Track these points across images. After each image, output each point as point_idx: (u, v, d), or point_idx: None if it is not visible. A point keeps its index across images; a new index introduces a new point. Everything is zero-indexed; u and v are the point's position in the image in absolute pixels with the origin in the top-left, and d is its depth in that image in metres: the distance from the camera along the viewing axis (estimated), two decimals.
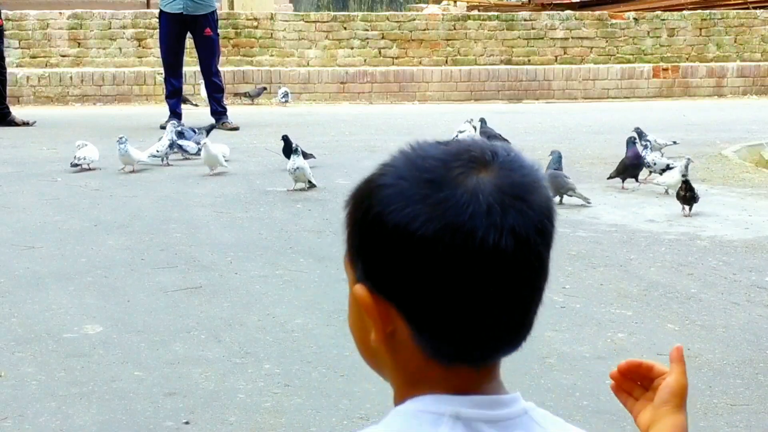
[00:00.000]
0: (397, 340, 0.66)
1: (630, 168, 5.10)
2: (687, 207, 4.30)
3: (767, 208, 4.88)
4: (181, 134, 5.62)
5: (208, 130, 6.04)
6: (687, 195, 4.26)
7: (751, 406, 2.56)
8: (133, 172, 5.44)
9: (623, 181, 5.15)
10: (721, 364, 2.78)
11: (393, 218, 0.62)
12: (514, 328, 0.67)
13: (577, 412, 2.42)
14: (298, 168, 4.96)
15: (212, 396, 2.58)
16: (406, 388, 0.69)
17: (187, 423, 2.42)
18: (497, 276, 0.62)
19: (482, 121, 6.10)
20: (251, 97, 8.48)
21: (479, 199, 0.61)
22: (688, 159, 4.59)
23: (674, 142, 5.81)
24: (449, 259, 0.62)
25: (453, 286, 0.63)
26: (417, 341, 0.66)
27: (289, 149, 5.22)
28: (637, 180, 5.15)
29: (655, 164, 5.21)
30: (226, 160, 5.53)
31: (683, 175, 4.31)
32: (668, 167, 5.04)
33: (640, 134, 5.54)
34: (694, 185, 4.38)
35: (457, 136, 5.36)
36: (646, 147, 5.45)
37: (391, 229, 0.62)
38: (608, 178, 5.18)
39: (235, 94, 8.46)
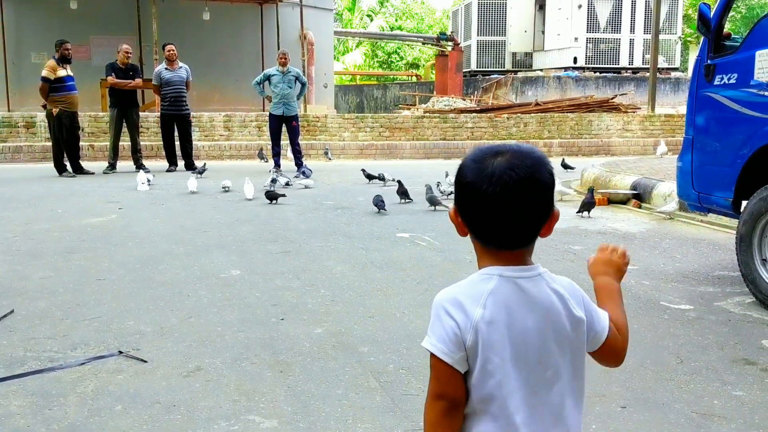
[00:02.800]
0: (471, 239, 1.22)
1: None
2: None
3: (572, 212, 7.23)
4: (274, 180, 8.91)
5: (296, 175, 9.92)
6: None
7: None
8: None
9: None
10: None
11: (464, 178, 1.22)
12: (523, 230, 1.20)
13: None
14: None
15: (295, 306, 3.96)
16: (478, 264, 1.24)
17: (282, 319, 3.71)
18: (499, 204, 1.15)
19: (446, 173, 9.00)
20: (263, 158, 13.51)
21: (490, 169, 1.16)
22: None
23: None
24: (478, 196, 1.17)
25: (482, 208, 1.18)
26: (476, 239, 1.23)
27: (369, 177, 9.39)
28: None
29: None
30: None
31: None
32: None
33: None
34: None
35: (446, 177, 8.70)
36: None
37: (463, 183, 1.21)
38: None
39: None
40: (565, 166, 11.23)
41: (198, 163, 12.26)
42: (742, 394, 2.84)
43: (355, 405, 2.70)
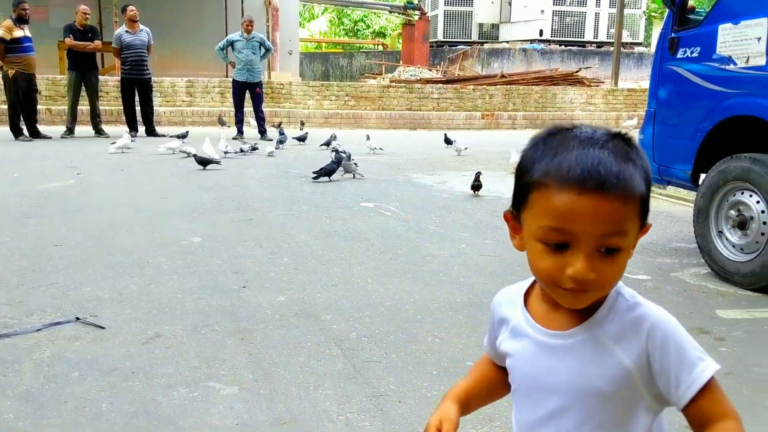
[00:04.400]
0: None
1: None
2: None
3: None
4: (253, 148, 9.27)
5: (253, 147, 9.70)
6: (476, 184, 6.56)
7: (526, 272, 4.17)
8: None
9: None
10: (510, 258, 4.26)
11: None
12: None
13: (436, 281, 3.88)
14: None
15: (257, 274, 3.91)
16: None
17: (244, 287, 3.67)
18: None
19: (367, 136, 10.03)
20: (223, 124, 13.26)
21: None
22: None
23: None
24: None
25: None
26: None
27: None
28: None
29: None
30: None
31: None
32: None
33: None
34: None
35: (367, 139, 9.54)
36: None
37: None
38: None
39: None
40: (447, 140, 10.73)
41: (159, 129, 12.07)
42: None
43: (316, 372, 2.70)
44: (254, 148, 9.57)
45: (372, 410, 2.40)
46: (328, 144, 10.08)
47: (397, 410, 2.40)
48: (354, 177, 7.65)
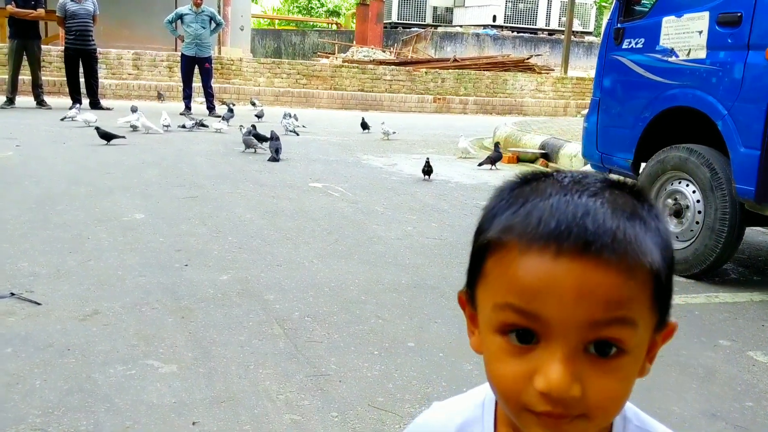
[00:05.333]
0: None
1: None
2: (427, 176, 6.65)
3: (483, 170, 7.45)
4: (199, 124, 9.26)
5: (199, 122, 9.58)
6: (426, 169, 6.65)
7: (467, 257, 4.29)
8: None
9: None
10: (456, 242, 4.41)
11: None
12: None
13: (381, 263, 3.91)
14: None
15: (200, 252, 3.87)
16: None
17: (186, 265, 3.63)
18: None
19: (292, 114, 10.02)
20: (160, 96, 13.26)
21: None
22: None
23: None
24: None
25: None
26: None
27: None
28: None
29: None
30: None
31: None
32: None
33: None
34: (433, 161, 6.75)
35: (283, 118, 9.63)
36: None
37: None
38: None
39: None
40: (363, 125, 10.36)
41: (103, 102, 11.77)
42: None
43: (257, 351, 2.69)
44: (202, 125, 9.40)
45: (312, 389, 2.41)
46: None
47: (337, 389, 2.42)
48: (255, 152, 7.70)
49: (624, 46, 4.58)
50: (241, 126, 8.21)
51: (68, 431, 2.08)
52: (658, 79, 4.27)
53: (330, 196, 5.68)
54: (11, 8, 10.92)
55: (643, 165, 4.46)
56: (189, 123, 9.35)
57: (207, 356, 2.63)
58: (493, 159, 7.74)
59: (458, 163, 7.98)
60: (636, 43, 4.47)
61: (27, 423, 2.11)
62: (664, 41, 4.23)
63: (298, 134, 9.47)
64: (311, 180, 6.35)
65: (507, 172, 7.39)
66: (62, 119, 9.53)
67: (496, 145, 8.15)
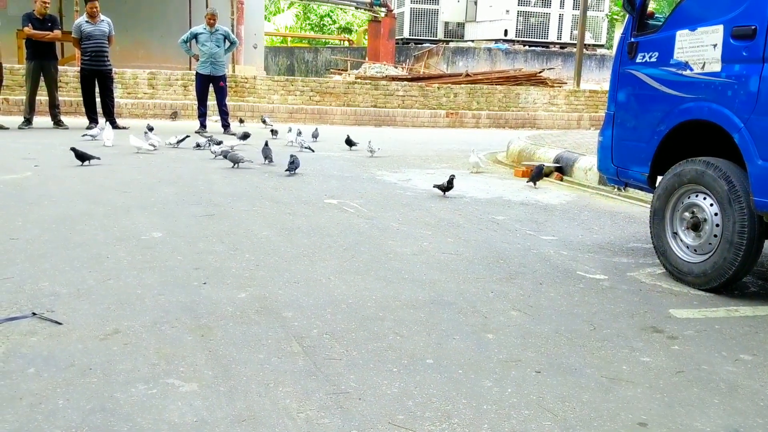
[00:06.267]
0: None
1: None
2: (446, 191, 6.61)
3: (497, 183, 7.47)
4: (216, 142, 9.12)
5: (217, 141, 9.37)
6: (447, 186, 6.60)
7: (486, 271, 3.98)
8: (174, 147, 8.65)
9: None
10: (472, 257, 4.44)
11: None
12: None
13: (398, 279, 3.94)
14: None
15: (218, 270, 3.88)
16: None
17: (205, 283, 3.65)
18: None
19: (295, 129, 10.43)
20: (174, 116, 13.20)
21: None
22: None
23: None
24: None
25: None
26: None
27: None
28: None
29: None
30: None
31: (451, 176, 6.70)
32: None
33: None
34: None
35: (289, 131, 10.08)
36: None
37: None
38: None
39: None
40: (348, 142, 10.00)
41: (119, 121, 11.88)
42: (648, 360, 2.98)
43: (277, 369, 2.70)
44: (216, 142, 9.42)
45: (332, 407, 2.41)
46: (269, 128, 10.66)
47: (357, 407, 2.42)
48: (238, 166, 7.79)
49: (638, 60, 4.59)
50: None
51: None
52: (673, 92, 4.26)
53: (345, 213, 5.70)
54: (28, 30, 11.08)
55: (659, 178, 4.44)
56: (202, 141, 9.41)
57: (227, 374, 2.64)
58: (532, 178, 7.64)
59: (473, 178, 7.97)
60: (650, 57, 4.48)
61: None
62: (679, 55, 4.23)
63: (313, 150, 9.52)
64: (326, 196, 6.38)
65: (547, 193, 7.39)
66: (82, 136, 9.78)
67: (540, 166, 7.85)
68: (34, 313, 3.17)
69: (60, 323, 3.07)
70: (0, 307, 3.25)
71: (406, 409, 2.43)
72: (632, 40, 4.65)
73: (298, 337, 3.04)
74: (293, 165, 7.40)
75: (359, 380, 2.63)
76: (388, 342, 3.03)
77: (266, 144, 8.23)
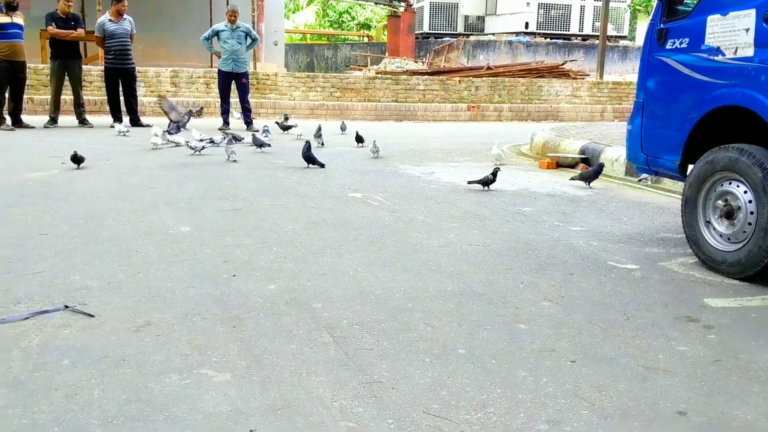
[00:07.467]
0: None
1: None
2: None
3: (522, 176, 7.38)
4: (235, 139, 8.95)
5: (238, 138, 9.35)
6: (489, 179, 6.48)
7: (515, 262, 3.96)
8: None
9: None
10: (500, 248, 4.41)
11: None
12: None
13: (425, 271, 3.91)
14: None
15: (247, 263, 3.89)
16: None
17: (234, 276, 3.65)
18: None
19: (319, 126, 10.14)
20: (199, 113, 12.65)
21: None
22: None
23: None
24: None
25: None
26: None
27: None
28: None
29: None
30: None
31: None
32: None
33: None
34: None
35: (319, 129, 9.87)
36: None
37: None
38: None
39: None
40: (358, 139, 9.72)
41: (143, 119, 11.96)
42: (685, 349, 2.93)
43: (309, 359, 2.69)
44: (237, 138, 9.33)
45: (366, 397, 2.40)
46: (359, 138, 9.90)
47: (391, 396, 2.40)
48: (308, 167, 7.61)
49: (668, 47, 4.51)
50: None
51: None
52: (704, 78, 4.19)
53: (370, 206, 5.68)
54: (52, 29, 11.19)
55: (690, 167, 4.37)
56: (218, 138, 9.26)
57: (260, 365, 2.63)
58: (586, 177, 6.97)
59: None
60: (680, 43, 4.40)
61: None
62: (710, 40, 4.15)
63: (270, 145, 9.43)
64: (350, 190, 6.37)
65: (574, 185, 7.32)
66: (119, 133, 10.21)
67: (601, 164, 7.20)
68: (66, 306, 3.18)
69: (92, 316, 3.09)
70: (33, 300, 3.27)
71: (440, 398, 2.41)
72: (662, 26, 4.58)
73: (328, 327, 3.03)
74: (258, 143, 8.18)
75: (391, 370, 2.61)
76: (418, 332, 3.01)
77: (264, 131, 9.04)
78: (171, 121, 10.57)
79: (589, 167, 8.07)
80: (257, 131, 10.60)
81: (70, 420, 2.20)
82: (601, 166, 7.15)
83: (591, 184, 7.00)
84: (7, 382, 2.45)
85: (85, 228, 4.69)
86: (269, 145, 9.06)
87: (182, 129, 10.17)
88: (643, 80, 4.78)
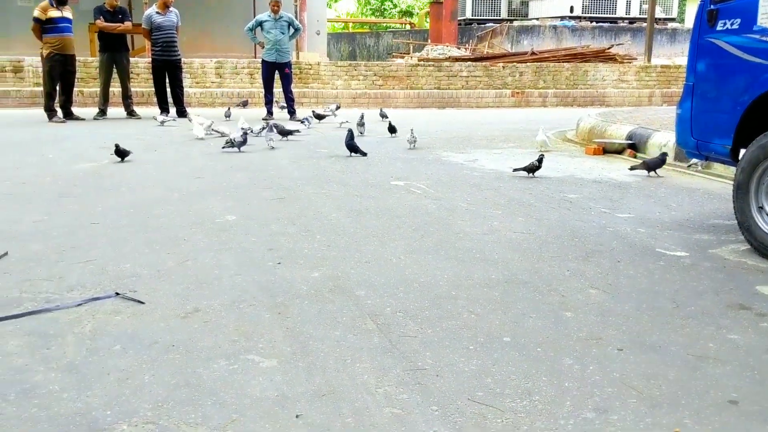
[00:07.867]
0: None
1: None
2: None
3: (567, 162, 7.27)
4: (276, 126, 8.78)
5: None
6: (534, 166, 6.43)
7: (561, 250, 3.91)
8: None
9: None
10: (545, 236, 4.37)
11: None
12: None
13: (469, 258, 3.91)
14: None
15: (291, 251, 3.94)
16: None
17: (279, 264, 3.72)
18: None
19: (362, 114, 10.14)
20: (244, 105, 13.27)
21: None
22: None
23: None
24: None
25: None
26: None
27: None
28: None
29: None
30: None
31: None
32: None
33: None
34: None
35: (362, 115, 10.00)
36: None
37: None
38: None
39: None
40: (391, 129, 9.53)
41: (189, 110, 12.14)
42: (737, 337, 2.87)
43: (353, 346, 2.71)
44: (285, 132, 9.36)
45: (410, 383, 2.41)
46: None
47: (435, 384, 2.40)
48: (350, 155, 7.63)
49: (718, 28, 4.39)
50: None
51: (178, 424, 2.14)
52: (757, 60, 4.07)
53: (412, 194, 5.68)
54: (100, 23, 11.42)
55: (742, 151, 4.25)
56: (256, 128, 9.06)
57: (305, 351, 2.66)
58: (650, 165, 6.69)
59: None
60: (731, 24, 4.28)
61: (139, 416, 2.18)
62: (763, 20, 4.02)
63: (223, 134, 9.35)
64: (393, 178, 6.37)
65: (621, 171, 7.21)
66: (161, 123, 10.53)
67: (664, 154, 6.87)
68: (117, 293, 3.26)
69: (142, 303, 3.16)
70: (84, 287, 3.36)
71: (485, 386, 2.40)
72: (712, 7, 4.45)
73: (372, 315, 3.04)
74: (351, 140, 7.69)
75: (435, 357, 2.62)
76: (462, 320, 3.00)
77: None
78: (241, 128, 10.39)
79: (637, 153, 7.92)
80: (300, 120, 10.69)
81: (122, 404, 2.26)
82: (665, 155, 6.85)
83: (656, 172, 6.73)
84: (62, 367, 2.52)
85: (134, 217, 4.79)
86: (297, 131, 9.29)
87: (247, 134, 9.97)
88: (693, 63, 4.66)
